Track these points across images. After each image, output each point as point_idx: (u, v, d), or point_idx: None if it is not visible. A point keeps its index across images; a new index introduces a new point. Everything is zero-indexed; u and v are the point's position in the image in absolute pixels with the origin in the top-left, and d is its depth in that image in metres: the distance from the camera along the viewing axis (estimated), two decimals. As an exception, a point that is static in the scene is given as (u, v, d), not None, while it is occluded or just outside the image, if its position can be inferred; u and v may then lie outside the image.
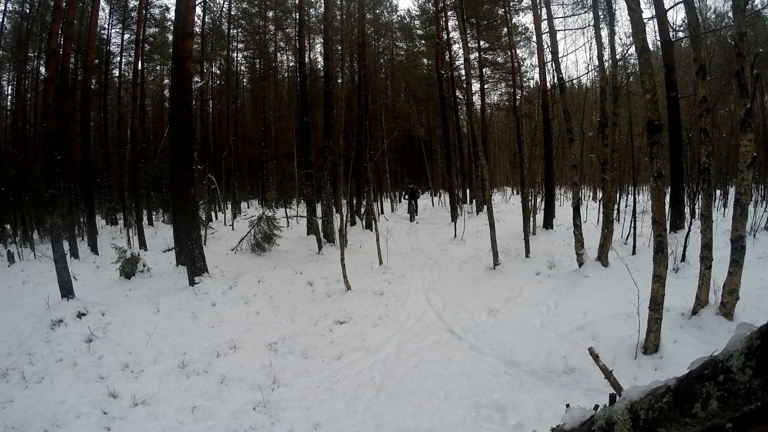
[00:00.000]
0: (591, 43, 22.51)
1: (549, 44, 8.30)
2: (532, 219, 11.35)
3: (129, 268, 8.22)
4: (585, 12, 14.66)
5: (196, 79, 15.14)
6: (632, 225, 8.32)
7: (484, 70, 20.89)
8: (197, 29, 16.90)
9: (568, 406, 1.21)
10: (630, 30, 6.76)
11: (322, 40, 18.18)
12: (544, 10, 9.80)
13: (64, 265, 6.26)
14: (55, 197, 6.59)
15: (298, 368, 4.77)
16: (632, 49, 9.52)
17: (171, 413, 3.94)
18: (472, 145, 18.16)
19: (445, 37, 18.82)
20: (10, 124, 19.62)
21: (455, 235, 12.12)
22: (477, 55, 19.59)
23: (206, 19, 20.42)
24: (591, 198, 21.44)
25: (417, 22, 25.49)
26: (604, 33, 11.52)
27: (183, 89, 7.61)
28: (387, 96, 26.39)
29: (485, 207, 9.07)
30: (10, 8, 17.05)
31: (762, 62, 10.27)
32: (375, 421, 3.71)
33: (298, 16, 16.94)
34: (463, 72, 13.16)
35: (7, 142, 19.34)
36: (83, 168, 13.65)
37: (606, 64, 7.53)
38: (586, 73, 23.86)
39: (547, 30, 8.73)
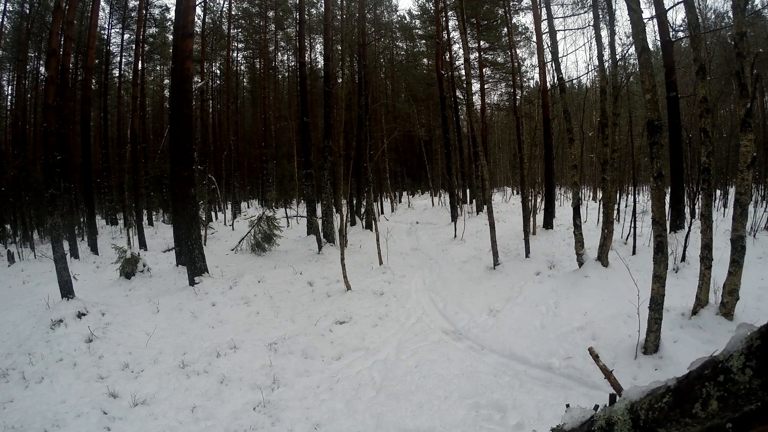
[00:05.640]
0: (591, 43, 22.53)
1: (549, 44, 8.30)
2: (532, 219, 11.35)
3: (129, 268, 8.22)
4: (585, 12, 14.69)
5: (196, 79, 15.14)
6: (632, 225, 8.32)
7: (484, 70, 20.90)
8: (197, 29, 16.90)
9: (568, 406, 1.21)
10: (630, 30, 6.76)
11: (322, 40, 18.16)
12: (544, 10, 9.80)
13: (64, 265, 6.26)
14: (55, 197, 6.59)
15: (298, 368, 4.77)
16: (632, 49, 9.52)
17: (171, 413, 3.94)
18: (472, 145, 18.17)
19: (445, 37, 18.82)
20: (10, 124, 19.63)
21: (455, 235, 12.12)
22: (477, 55, 19.60)
23: (206, 19, 20.43)
24: (591, 198, 21.45)
25: (417, 22, 25.53)
26: (604, 33, 11.57)
27: (183, 89, 7.61)
28: (387, 96, 26.40)
29: (485, 207, 9.07)
30: (10, 8, 17.06)
31: (762, 62, 10.26)
32: (375, 421, 3.71)
33: (298, 16, 16.95)
34: (463, 72, 13.16)
35: (7, 142, 19.35)
36: (83, 168, 13.66)
37: (606, 64, 7.53)
38: (586, 73, 23.87)
39: (547, 30, 8.73)
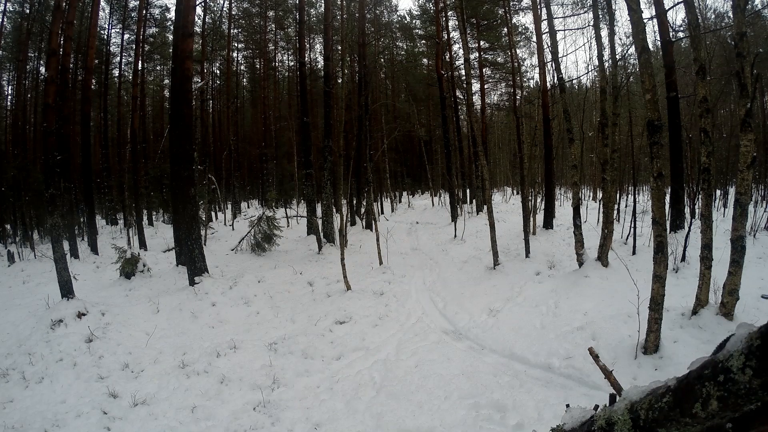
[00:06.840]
0: (591, 43, 22.54)
1: (549, 44, 8.31)
2: (532, 219, 11.35)
3: (129, 268, 8.21)
4: (585, 12, 14.69)
5: (196, 79, 15.14)
6: (632, 225, 8.32)
7: (484, 70, 20.88)
8: (197, 29, 16.90)
9: (568, 406, 1.21)
10: (630, 30, 6.76)
11: (322, 40, 18.18)
12: (544, 10, 9.81)
13: (64, 265, 6.26)
14: (55, 197, 6.59)
15: (298, 368, 4.77)
16: (632, 49, 9.52)
17: (171, 413, 3.94)
18: (472, 145, 18.16)
19: (445, 37, 18.82)
20: (10, 124, 19.64)
21: (455, 235, 12.12)
22: (477, 55, 19.59)
23: (206, 19, 20.43)
24: (591, 198, 21.46)
25: (417, 22, 25.51)
26: (604, 33, 11.55)
27: (183, 89, 7.61)
28: (387, 96, 26.41)
29: (485, 207, 9.07)
30: (10, 8, 17.07)
31: (762, 62, 10.27)
32: (375, 421, 3.71)
33: (298, 16, 16.95)
34: (463, 72, 13.16)
35: (7, 142, 19.34)
36: (83, 168, 13.66)
37: (606, 64, 7.53)
38: (586, 73, 23.87)
39: (547, 30, 8.74)
